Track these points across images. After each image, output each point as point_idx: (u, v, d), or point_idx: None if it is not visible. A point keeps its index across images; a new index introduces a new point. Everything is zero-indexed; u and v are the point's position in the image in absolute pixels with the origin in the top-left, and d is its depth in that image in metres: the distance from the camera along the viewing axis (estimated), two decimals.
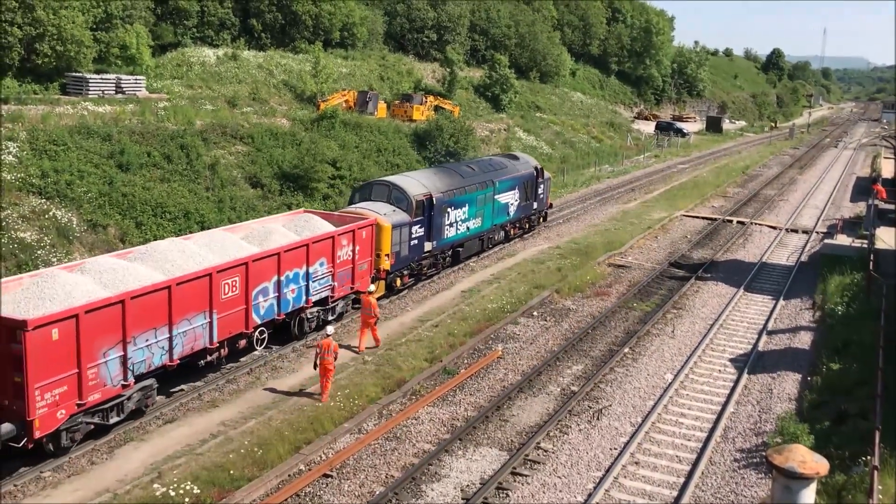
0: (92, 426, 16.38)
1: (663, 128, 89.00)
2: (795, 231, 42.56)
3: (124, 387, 16.74)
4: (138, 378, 17.15)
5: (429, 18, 65.09)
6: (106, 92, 36.71)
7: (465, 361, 22.30)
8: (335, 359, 18.95)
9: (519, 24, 75.57)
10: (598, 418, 19.11)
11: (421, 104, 52.88)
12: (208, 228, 26.44)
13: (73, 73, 36.68)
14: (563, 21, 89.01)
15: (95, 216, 27.36)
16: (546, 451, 17.44)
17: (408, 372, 20.83)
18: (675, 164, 69.03)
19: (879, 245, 31.09)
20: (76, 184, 27.75)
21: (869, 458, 14.84)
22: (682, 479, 16.42)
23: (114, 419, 16.79)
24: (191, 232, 26.82)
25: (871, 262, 28.10)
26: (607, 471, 16.52)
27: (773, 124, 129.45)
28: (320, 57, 49.22)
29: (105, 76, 37.45)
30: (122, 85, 37.64)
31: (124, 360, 16.56)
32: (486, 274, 30.73)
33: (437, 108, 54.18)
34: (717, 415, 19.37)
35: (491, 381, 21.06)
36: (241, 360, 21.04)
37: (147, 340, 17.12)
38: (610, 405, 19.88)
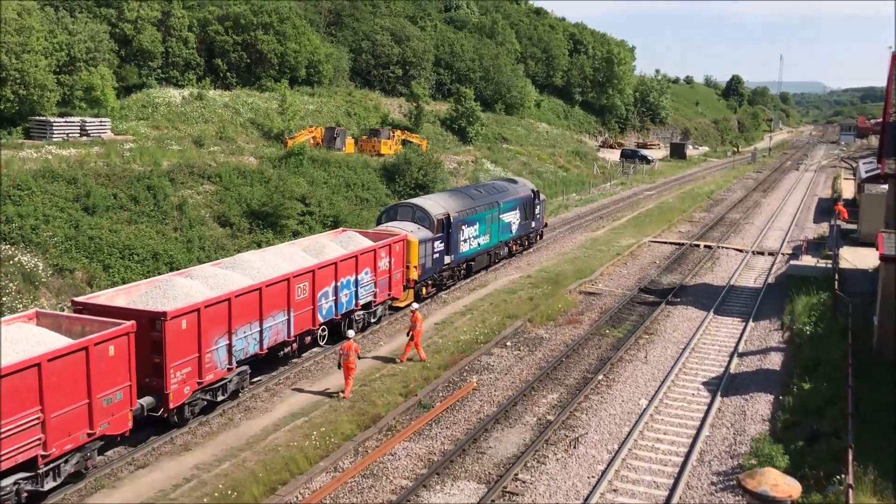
0: (205, 402, 19.71)
1: (628, 155, 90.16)
2: (762, 253, 43.18)
3: (229, 370, 20.22)
4: (238, 364, 20.56)
5: (394, 54, 65.64)
6: (70, 135, 36.44)
7: (441, 394, 22.23)
8: (358, 358, 21.67)
9: (483, 57, 76.48)
10: (574, 447, 19.12)
11: (388, 139, 53.16)
12: (177, 269, 26.40)
13: (37, 117, 36.39)
14: (527, 54, 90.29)
15: (62, 260, 27.01)
16: (524, 482, 17.38)
17: (383, 407, 20.71)
18: (642, 191, 69.90)
19: (843, 264, 31.74)
20: (42, 228, 27.42)
21: (843, 476, 14.97)
22: None
23: (220, 397, 20.13)
24: (160, 273, 26.87)
25: (836, 282, 28.58)
26: (586, 500, 16.49)
27: (735, 149, 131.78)
28: (286, 94, 49.37)
29: (69, 119, 37.19)
30: (87, 127, 37.38)
31: (229, 347, 20.07)
32: (458, 305, 30.76)
33: (404, 142, 54.49)
34: (693, 439, 19.47)
35: (467, 413, 21.00)
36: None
37: (245, 332, 20.64)
38: (586, 433, 19.89)
